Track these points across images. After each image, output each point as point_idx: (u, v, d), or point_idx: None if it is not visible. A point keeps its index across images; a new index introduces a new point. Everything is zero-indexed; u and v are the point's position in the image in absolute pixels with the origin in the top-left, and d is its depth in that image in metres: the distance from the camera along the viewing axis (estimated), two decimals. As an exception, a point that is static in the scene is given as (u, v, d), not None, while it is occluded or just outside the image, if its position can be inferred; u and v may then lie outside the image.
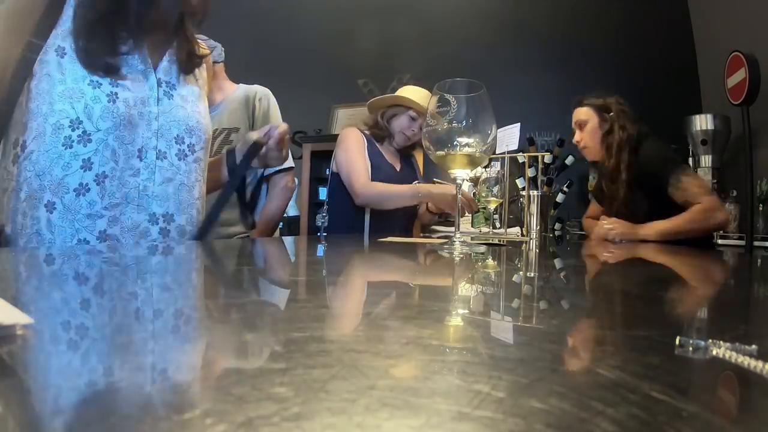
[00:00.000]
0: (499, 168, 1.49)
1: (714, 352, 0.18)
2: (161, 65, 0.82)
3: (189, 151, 0.83)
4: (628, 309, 0.33)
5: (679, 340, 0.19)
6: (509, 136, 1.31)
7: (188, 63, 0.86)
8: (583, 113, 1.70)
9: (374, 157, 1.71)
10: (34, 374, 0.15)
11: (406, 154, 1.86)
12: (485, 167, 1.74)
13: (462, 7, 3.56)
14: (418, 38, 3.64)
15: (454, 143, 0.71)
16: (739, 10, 2.58)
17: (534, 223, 1.52)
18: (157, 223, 0.78)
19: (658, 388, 0.14)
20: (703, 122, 2.49)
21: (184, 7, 0.81)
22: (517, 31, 3.38)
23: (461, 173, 0.75)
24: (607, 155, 1.62)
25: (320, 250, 0.84)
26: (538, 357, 0.18)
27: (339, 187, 1.71)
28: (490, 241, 1.06)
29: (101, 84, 0.72)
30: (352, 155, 1.67)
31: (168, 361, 0.17)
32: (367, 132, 1.77)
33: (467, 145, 0.71)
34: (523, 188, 1.67)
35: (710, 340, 0.18)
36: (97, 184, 0.72)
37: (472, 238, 1.13)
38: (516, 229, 1.68)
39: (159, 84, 0.80)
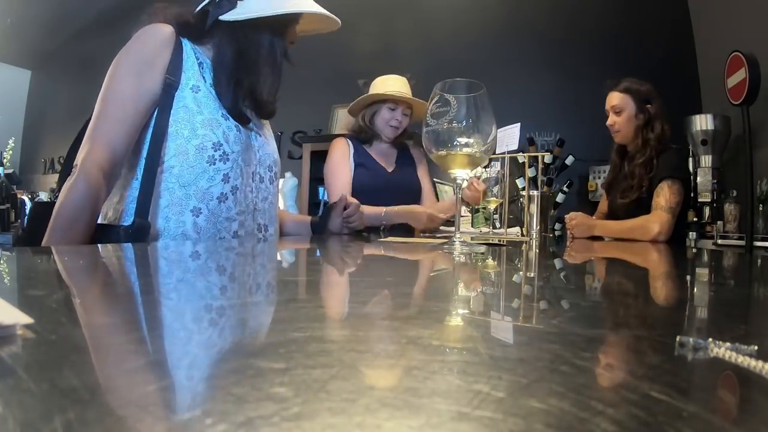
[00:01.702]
0: (499, 168, 1.49)
1: (714, 352, 0.18)
2: (246, 110, 0.96)
3: (274, 177, 1.03)
4: (627, 309, 0.33)
5: (679, 340, 0.19)
6: (509, 136, 1.31)
7: (269, 111, 1.02)
8: (617, 98, 1.61)
9: (362, 161, 1.71)
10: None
11: (402, 153, 1.83)
12: (485, 167, 1.74)
13: (462, 7, 3.56)
14: (418, 38, 3.64)
15: (454, 143, 0.71)
16: (740, 10, 2.58)
17: (534, 223, 1.52)
18: (261, 231, 0.98)
19: (658, 388, 0.14)
20: (703, 122, 2.48)
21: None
22: (517, 30, 3.37)
23: (461, 173, 0.75)
24: (642, 149, 1.57)
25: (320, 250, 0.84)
26: (538, 357, 0.18)
27: None
28: (490, 241, 1.06)
29: (228, 117, 0.89)
30: (333, 172, 1.70)
31: (167, 360, 0.17)
32: (353, 137, 1.77)
33: (467, 145, 0.71)
34: (523, 188, 1.67)
35: (710, 340, 0.18)
36: (233, 194, 0.89)
37: (472, 238, 1.13)
38: (516, 229, 1.68)
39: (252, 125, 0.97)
